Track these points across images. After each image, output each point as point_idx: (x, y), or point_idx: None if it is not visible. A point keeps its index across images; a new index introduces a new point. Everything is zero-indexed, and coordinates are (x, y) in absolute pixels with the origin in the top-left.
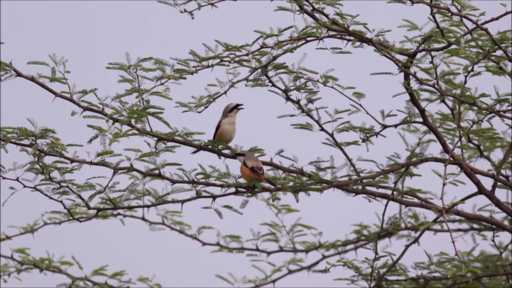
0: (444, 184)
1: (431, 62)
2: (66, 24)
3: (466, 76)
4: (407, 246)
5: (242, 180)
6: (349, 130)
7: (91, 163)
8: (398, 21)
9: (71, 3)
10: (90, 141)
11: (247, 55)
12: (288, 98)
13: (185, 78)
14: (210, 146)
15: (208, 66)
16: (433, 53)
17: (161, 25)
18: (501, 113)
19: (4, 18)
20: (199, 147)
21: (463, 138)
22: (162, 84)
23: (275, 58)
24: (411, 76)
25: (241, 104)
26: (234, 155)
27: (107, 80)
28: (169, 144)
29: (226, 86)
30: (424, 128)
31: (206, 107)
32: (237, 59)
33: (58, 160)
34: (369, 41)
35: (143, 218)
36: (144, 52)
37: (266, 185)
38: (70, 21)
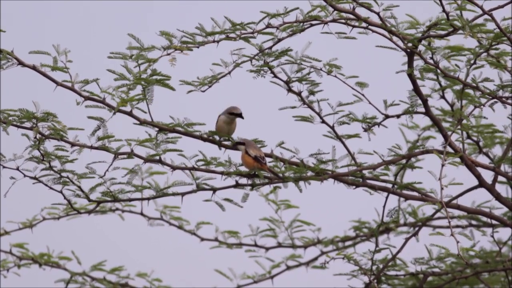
0: (442, 165)
1: (432, 58)
2: (69, 20)
3: (468, 68)
4: (407, 239)
5: (243, 168)
6: (350, 122)
7: (91, 147)
8: (401, 17)
9: (73, 3)
10: (93, 133)
11: (252, 33)
12: (289, 90)
13: (191, 50)
14: (211, 137)
15: (214, 41)
16: (434, 46)
17: (164, 18)
18: (503, 99)
19: (8, 9)
20: (200, 138)
21: (464, 134)
22: (168, 54)
23: (280, 40)
24: (414, 65)
25: (241, 115)
26: (234, 144)
27: (109, 79)
28: (170, 135)
29: (230, 67)
30: (423, 124)
31: (210, 87)
32: (243, 36)
33: (59, 146)
34: (377, 14)
35: (141, 213)
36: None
37: (267, 174)
38: (72, 17)
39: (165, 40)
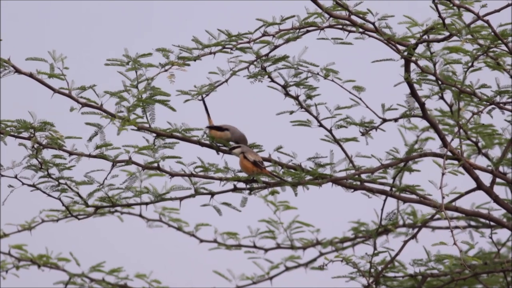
0: (443, 174)
1: (430, 60)
2: (68, 23)
3: (466, 71)
4: (405, 242)
5: (241, 174)
6: (348, 125)
7: (89, 155)
8: (399, 18)
9: (73, 2)
10: (90, 139)
11: (248, 42)
12: (287, 94)
13: (189, 65)
14: (208, 142)
15: (210, 53)
16: (432, 50)
17: (165, 23)
18: (501, 105)
19: (7, 15)
20: (198, 143)
21: (461, 131)
22: (166, 70)
23: (276, 47)
24: (411, 69)
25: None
26: (229, 149)
27: (108, 79)
28: (168, 140)
29: (227, 75)
30: (422, 125)
31: (207, 95)
32: (239, 46)
33: (57, 154)
34: (372, 24)
35: (140, 215)
36: (147, 48)
37: (266, 179)
38: (73, 17)
39: (163, 57)
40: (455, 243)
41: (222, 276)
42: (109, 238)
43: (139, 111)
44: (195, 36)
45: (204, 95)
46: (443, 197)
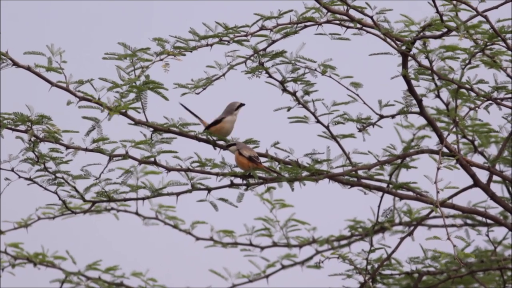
0: (438, 168)
1: (427, 58)
2: (68, 23)
3: (463, 68)
4: (402, 239)
5: (238, 169)
6: (345, 122)
7: (86, 149)
8: (397, 17)
9: (73, 2)
10: (88, 133)
11: (246, 35)
12: (284, 90)
13: (184, 55)
14: (205, 137)
15: (207, 45)
16: (428, 48)
17: (165, 23)
18: (499, 100)
19: (7, 15)
20: (195, 138)
21: (458, 128)
22: (161, 60)
23: (274, 41)
24: (409, 66)
25: (243, 104)
26: (226, 146)
27: (108, 78)
28: (165, 135)
29: (224, 69)
30: (419, 123)
31: (204, 89)
32: (236, 39)
33: (53, 148)
34: (370, 18)
35: (136, 213)
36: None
37: (262, 175)
38: (72, 19)
39: (158, 46)
40: (448, 238)
41: (218, 274)
42: (105, 236)
43: (133, 101)
44: (192, 28)
45: (181, 103)
46: (437, 192)
